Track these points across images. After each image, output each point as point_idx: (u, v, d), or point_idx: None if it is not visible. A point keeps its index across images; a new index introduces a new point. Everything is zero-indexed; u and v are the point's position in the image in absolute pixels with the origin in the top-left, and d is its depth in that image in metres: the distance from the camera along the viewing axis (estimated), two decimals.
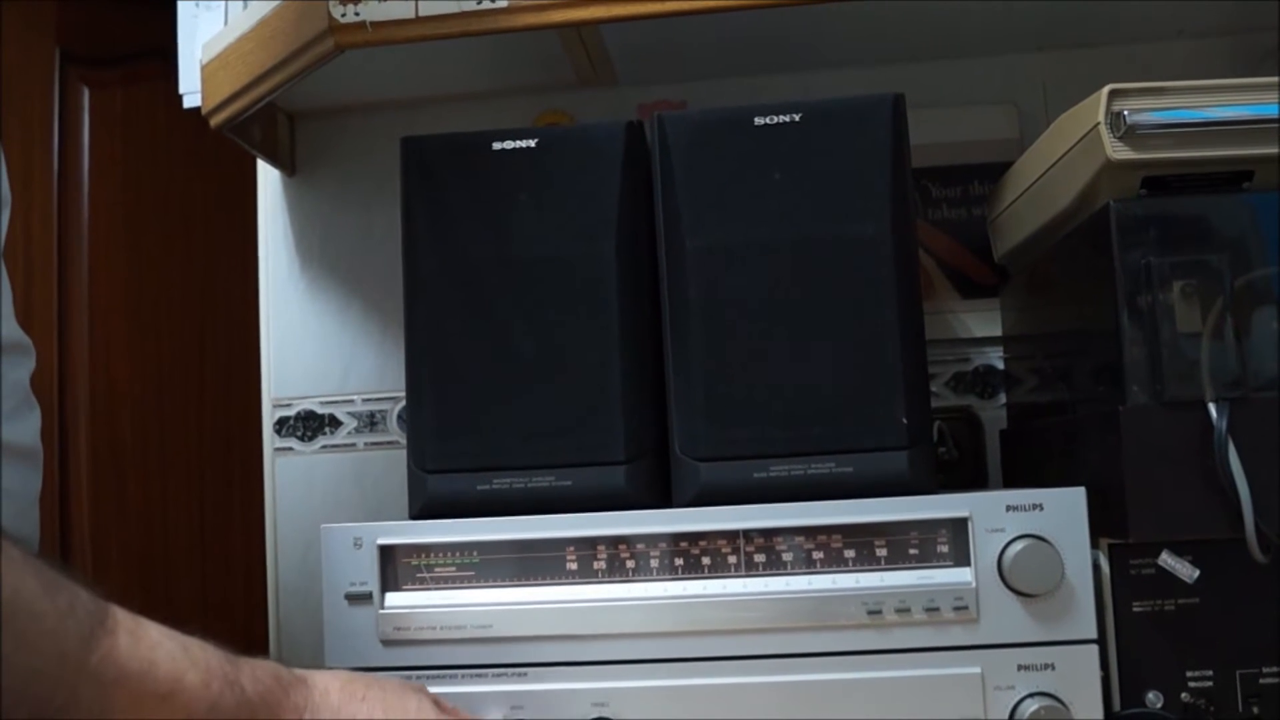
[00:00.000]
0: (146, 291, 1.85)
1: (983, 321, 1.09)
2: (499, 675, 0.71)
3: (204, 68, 1.03)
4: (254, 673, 0.59)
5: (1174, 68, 1.07)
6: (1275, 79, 0.73)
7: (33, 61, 1.78)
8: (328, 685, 0.63)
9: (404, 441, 1.12)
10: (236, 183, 1.31)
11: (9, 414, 0.70)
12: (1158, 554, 0.71)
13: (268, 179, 1.21)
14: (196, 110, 1.07)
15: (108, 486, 1.78)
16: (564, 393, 0.79)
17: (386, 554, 0.74)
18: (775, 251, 0.78)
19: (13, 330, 0.73)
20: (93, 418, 1.77)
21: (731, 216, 0.79)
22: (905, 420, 0.75)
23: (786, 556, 0.72)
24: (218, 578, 1.85)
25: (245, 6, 1.07)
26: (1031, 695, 0.68)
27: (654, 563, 0.73)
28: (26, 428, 0.73)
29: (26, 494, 0.73)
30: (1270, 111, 0.71)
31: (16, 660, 0.47)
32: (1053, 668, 0.69)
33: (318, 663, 0.72)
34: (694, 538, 0.72)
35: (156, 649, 0.54)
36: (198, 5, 1.13)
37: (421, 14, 0.87)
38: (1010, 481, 1.02)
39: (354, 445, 1.16)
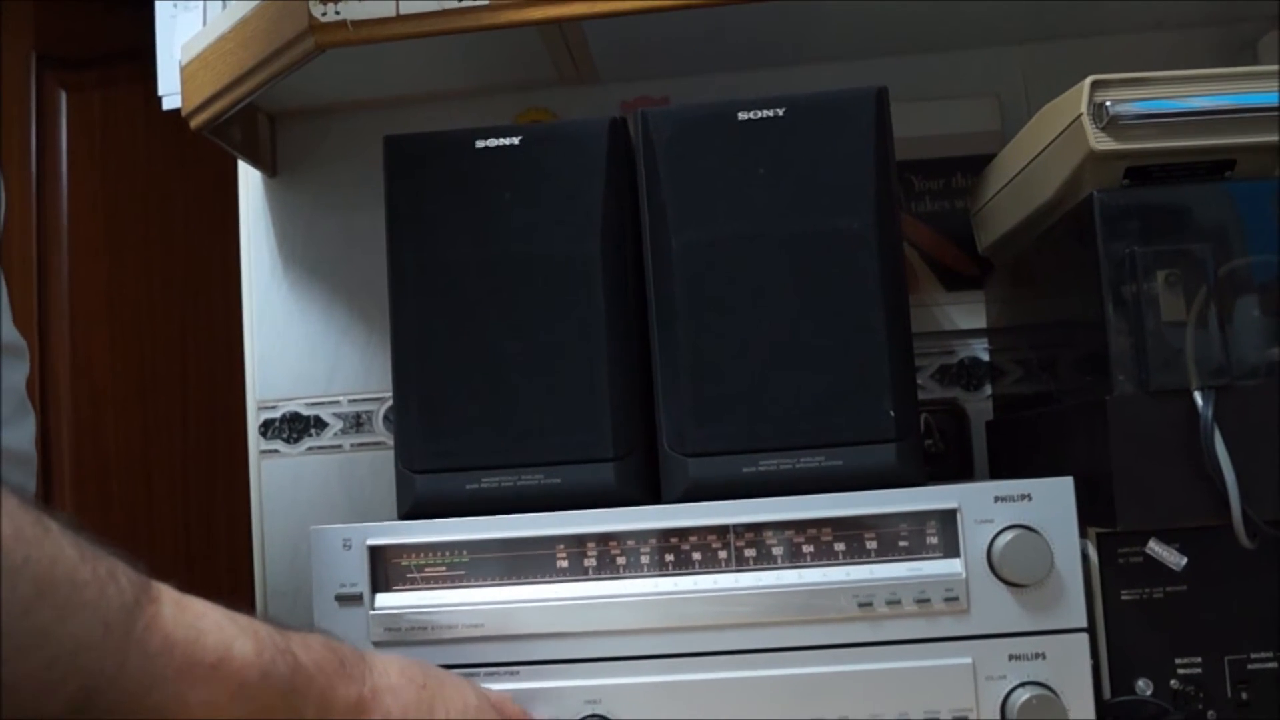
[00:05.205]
0: (127, 295, 1.84)
1: (967, 313, 1.09)
2: (491, 674, 0.71)
3: (184, 68, 1.02)
4: (305, 641, 0.58)
5: (1153, 60, 1.08)
6: (1256, 69, 0.74)
7: (9, 64, 1.76)
8: (386, 666, 0.63)
9: (390, 442, 1.12)
10: (217, 184, 1.31)
11: (6, 419, 0.69)
12: (1145, 542, 0.71)
13: (249, 180, 1.20)
14: (175, 112, 1.06)
15: (91, 491, 1.77)
16: (551, 390, 0.78)
17: (376, 555, 0.73)
18: (760, 246, 0.78)
19: (10, 332, 0.72)
20: (75, 422, 1.76)
21: (716, 212, 0.79)
22: (893, 413, 0.75)
23: (776, 551, 0.72)
24: (203, 582, 1.84)
25: (224, 7, 1.07)
26: (1023, 685, 0.68)
27: (644, 559, 0.73)
28: (23, 433, 0.72)
29: None
30: (1251, 101, 0.72)
31: (61, 631, 0.46)
32: (1043, 657, 0.69)
33: None
34: (684, 533, 0.72)
35: (203, 618, 0.53)
36: (176, 6, 1.12)
37: (402, 12, 0.86)
38: (996, 473, 1.03)
39: (340, 447, 1.16)
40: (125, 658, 0.49)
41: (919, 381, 1.08)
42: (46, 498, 1.71)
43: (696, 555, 0.72)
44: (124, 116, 1.85)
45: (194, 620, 0.53)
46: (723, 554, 0.72)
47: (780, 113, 0.79)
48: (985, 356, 1.10)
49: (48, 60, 1.81)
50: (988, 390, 1.09)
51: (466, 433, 0.79)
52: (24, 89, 1.79)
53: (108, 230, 1.84)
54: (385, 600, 0.73)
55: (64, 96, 1.83)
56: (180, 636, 0.51)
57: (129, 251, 1.85)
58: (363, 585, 0.73)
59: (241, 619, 0.55)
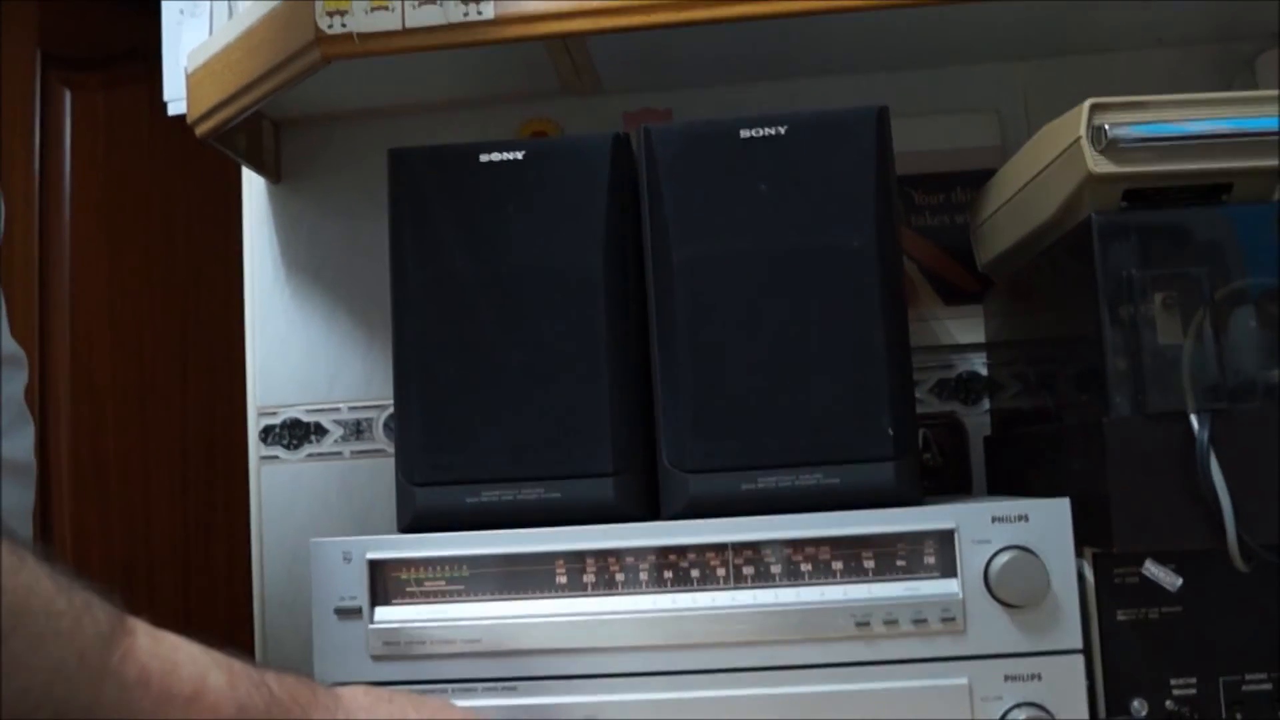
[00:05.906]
0: (129, 298, 1.84)
1: (966, 328, 1.10)
2: (489, 689, 0.71)
3: (189, 77, 1.03)
4: (278, 676, 0.58)
5: (1153, 76, 1.08)
6: (1254, 94, 0.74)
7: (13, 63, 1.76)
8: (353, 692, 0.63)
9: (390, 450, 1.13)
10: (220, 187, 1.31)
11: (5, 429, 0.69)
12: (1141, 563, 0.71)
13: (253, 186, 1.20)
14: (180, 116, 1.06)
15: (90, 496, 1.77)
16: (552, 405, 0.79)
17: (376, 568, 0.74)
18: (761, 263, 0.78)
19: (8, 342, 0.72)
20: (75, 426, 1.76)
21: (718, 228, 0.79)
22: (891, 431, 0.76)
23: (774, 569, 0.72)
24: (202, 589, 1.84)
25: (230, 14, 1.07)
26: (1019, 705, 0.69)
27: (643, 575, 0.73)
28: (22, 442, 0.72)
29: (21, 509, 0.72)
30: (1249, 125, 0.72)
31: (35, 660, 0.47)
32: (1039, 678, 0.69)
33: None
34: (682, 550, 0.73)
35: (178, 650, 0.53)
36: (182, 11, 1.12)
37: (408, 25, 0.87)
38: (994, 487, 1.03)
39: (340, 454, 1.16)
40: (101, 688, 0.49)
41: (917, 395, 1.08)
42: (45, 502, 1.71)
43: (695, 572, 0.73)
44: (128, 117, 1.85)
45: (169, 652, 0.53)
46: (721, 571, 0.72)
47: (782, 131, 0.80)
48: (984, 371, 1.10)
49: (52, 60, 1.81)
50: (986, 405, 1.10)
51: (467, 446, 0.79)
52: (28, 88, 1.79)
53: (110, 232, 1.84)
54: (384, 614, 0.73)
55: (68, 96, 1.83)
56: (156, 668, 0.51)
57: (131, 253, 1.85)
58: (362, 599, 0.73)
59: (215, 653, 0.55)
